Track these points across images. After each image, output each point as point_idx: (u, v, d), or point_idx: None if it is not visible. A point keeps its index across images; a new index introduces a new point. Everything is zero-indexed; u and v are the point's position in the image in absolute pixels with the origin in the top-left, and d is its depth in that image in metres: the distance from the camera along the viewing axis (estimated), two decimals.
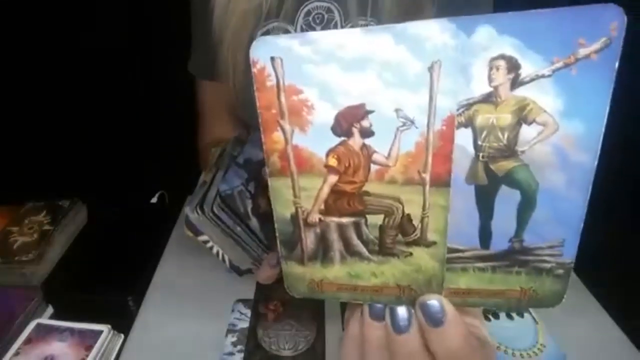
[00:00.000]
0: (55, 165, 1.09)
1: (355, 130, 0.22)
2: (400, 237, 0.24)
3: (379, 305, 0.25)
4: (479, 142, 0.22)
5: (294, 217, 0.25)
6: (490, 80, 0.20)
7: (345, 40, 0.21)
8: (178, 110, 0.94)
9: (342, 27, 0.62)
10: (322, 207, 0.24)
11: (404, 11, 0.60)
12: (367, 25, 0.62)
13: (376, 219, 0.24)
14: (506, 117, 0.21)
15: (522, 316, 0.46)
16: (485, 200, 0.23)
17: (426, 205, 0.23)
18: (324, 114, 0.22)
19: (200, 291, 0.50)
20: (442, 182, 0.22)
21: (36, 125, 1.08)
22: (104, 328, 0.43)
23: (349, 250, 0.25)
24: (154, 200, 0.68)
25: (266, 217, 0.46)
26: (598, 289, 0.49)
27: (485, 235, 0.23)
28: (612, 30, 0.19)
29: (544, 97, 0.20)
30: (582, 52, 0.19)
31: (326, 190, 0.24)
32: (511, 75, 0.20)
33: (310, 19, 0.62)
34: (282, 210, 0.25)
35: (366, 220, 0.24)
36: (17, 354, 0.41)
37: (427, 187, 0.23)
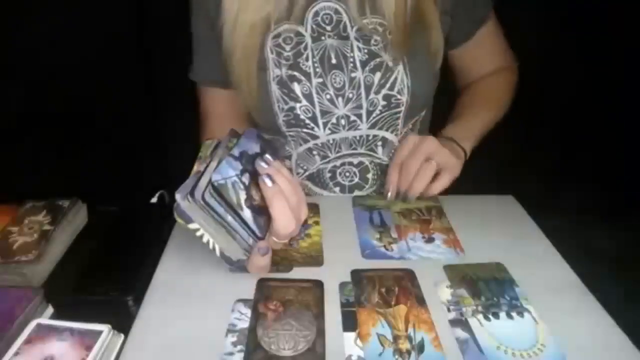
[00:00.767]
0: (55, 165, 1.09)
1: None
2: None
3: None
4: None
5: None
6: None
7: None
8: (178, 110, 0.94)
9: (351, 27, 0.63)
10: None
11: (408, 8, 0.60)
12: (371, 24, 0.62)
13: None
14: None
15: (522, 316, 0.46)
16: None
17: None
18: None
19: (200, 291, 0.50)
20: None
21: (36, 125, 1.08)
22: (104, 328, 0.43)
23: None
24: (154, 200, 0.68)
25: (259, 210, 0.46)
26: (598, 289, 0.49)
27: None
28: None
29: None
30: None
31: None
32: None
33: (319, 19, 0.63)
34: None
35: None
36: (17, 354, 0.41)
37: None
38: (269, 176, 0.46)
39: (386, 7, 0.60)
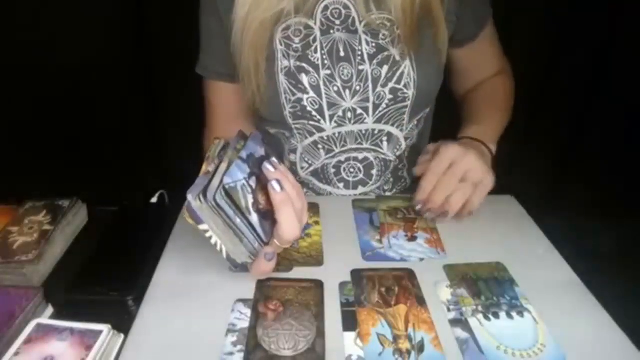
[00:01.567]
0: (55, 165, 1.09)
1: None
2: None
3: None
4: None
5: None
6: None
7: None
8: (178, 110, 0.94)
9: (359, 22, 0.63)
10: None
11: (419, 7, 0.61)
12: (378, 19, 0.62)
13: None
14: None
15: (522, 316, 0.46)
16: None
17: None
18: None
19: (200, 291, 0.50)
20: None
21: (36, 125, 1.08)
22: (104, 328, 0.43)
23: None
24: (154, 200, 0.68)
25: (265, 214, 0.46)
26: (598, 289, 0.49)
27: None
28: None
29: None
30: None
31: None
32: None
33: (329, 13, 0.64)
34: None
35: None
36: (17, 353, 0.41)
37: None
38: (278, 182, 0.46)
39: (393, 3, 0.61)
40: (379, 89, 0.65)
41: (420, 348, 0.42)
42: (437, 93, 0.72)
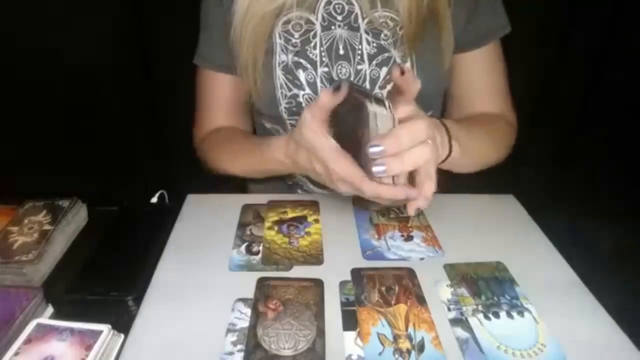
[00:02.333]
0: (55, 165, 1.09)
1: None
2: None
3: None
4: None
5: None
6: None
7: None
8: (178, 110, 0.94)
9: (362, 19, 0.63)
10: None
11: (426, 9, 0.60)
12: (382, 17, 0.62)
13: None
14: None
15: (522, 316, 0.46)
16: None
17: None
18: None
19: (200, 291, 0.50)
20: None
21: (36, 125, 1.08)
22: (104, 328, 0.43)
23: None
24: (154, 200, 0.68)
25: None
26: (598, 289, 0.49)
27: None
28: None
29: None
30: None
31: None
32: None
33: (331, 8, 0.63)
34: None
35: None
36: (17, 353, 0.41)
37: None
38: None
39: (400, 1, 0.60)
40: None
41: (421, 347, 0.42)
42: (441, 98, 0.70)
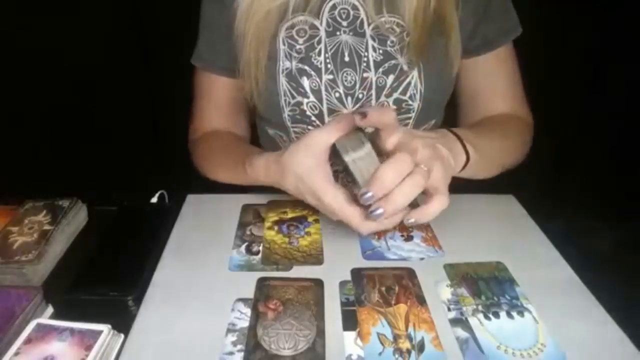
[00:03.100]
0: (55, 165, 1.09)
1: None
2: None
3: None
4: None
5: None
6: None
7: None
8: (178, 111, 0.94)
9: (368, 24, 0.62)
10: None
11: (433, 14, 0.58)
12: (388, 23, 0.61)
13: None
14: None
15: (522, 316, 0.46)
16: None
17: None
18: None
19: (200, 291, 0.50)
20: None
21: (36, 125, 1.08)
22: (104, 328, 0.43)
23: None
24: (154, 200, 0.68)
25: None
26: (598, 289, 0.49)
27: None
28: None
29: None
30: None
31: None
32: None
33: (336, 13, 0.62)
34: None
35: None
36: (17, 354, 0.41)
37: None
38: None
39: (408, 5, 0.58)
40: (382, 98, 0.63)
41: (421, 347, 0.42)
42: (445, 104, 0.69)
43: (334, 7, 0.62)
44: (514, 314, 0.46)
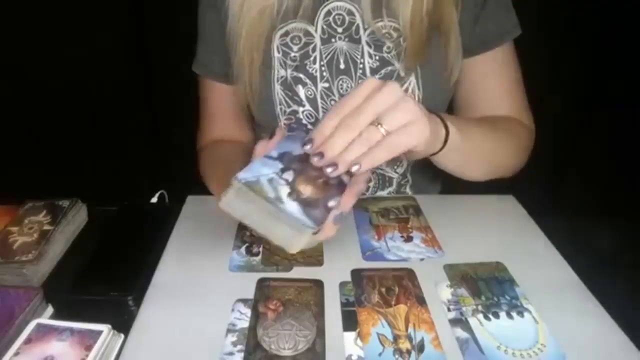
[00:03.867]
0: (55, 165, 1.09)
1: None
2: None
3: None
4: None
5: None
6: None
7: None
8: (178, 111, 0.94)
9: (364, 30, 0.60)
10: None
11: (424, 12, 0.57)
12: (385, 27, 0.60)
13: None
14: None
15: (522, 316, 0.46)
16: None
17: None
18: None
19: (200, 291, 0.50)
20: None
21: (36, 125, 1.08)
22: (104, 328, 0.43)
23: None
24: (154, 200, 0.68)
25: (308, 202, 0.44)
26: (598, 289, 0.49)
27: None
28: None
29: None
30: None
31: None
32: None
33: (331, 19, 0.60)
34: None
35: None
36: (17, 354, 0.41)
37: None
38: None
39: (402, 9, 0.57)
40: None
41: (420, 348, 0.42)
42: (445, 110, 0.67)
43: (328, 12, 0.60)
44: (514, 314, 0.46)
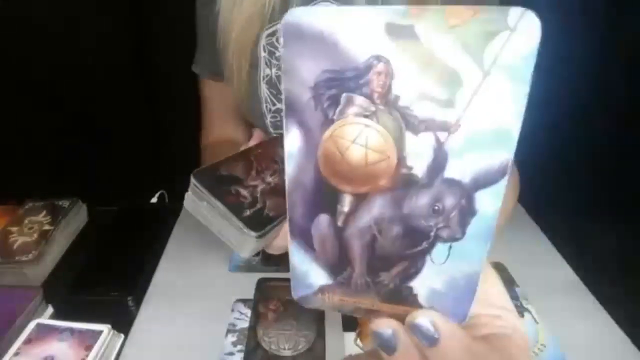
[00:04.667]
0: (55, 165, 1.09)
1: None
2: None
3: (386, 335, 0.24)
4: None
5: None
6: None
7: None
8: (178, 110, 0.94)
9: None
10: None
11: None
12: None
13: None
14: None
15: (522, 316, 0.46)
16: None
17: None
18: None
19: (200, 291, 0.50)
20: None
21: (36, 125, 1.08)
22: (104, 328, 0.43)
23: None
24: (154, 200, 0.68)
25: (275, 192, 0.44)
26: (598, 289, 0.49)
27: None
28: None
29: None
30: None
31: None
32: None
33: None
34: None
35: None
36: (17, 354, 0.41)
37: None
38: None
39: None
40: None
41: None
42: None
43: None
44: None
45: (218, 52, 0.65)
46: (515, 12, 0.18)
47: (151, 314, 0.47)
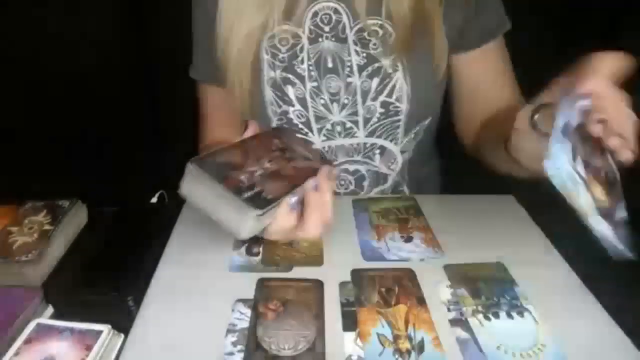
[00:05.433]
0: (55, 165, 1.09)
1: None
2: None
3: None
4: None
5: None
6: None
7: None
8: (178, 111, 0.94)
9: (350, 28, 0.61)
10: None
11: (415, 14, 0.58)
12: (379, 25, 0.61)
13: None
14: None
15: (522, 316, 0.46)
16: None
17: None
18: None
19: (200, 291, 0.50)
20: None
21: (36, 125, 1.08)
22: (104, 328, 0.43)
23: None
24: (154, 200, 0.68)
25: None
26: (598, 289, 0.49)
27: None
28: None
29: None
30: None
31: None
32: None
33: (318, 19, 0.62)
34: None
35: None
36: (17, 354, 0.41)
37: None
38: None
39: (389, 6, 0.59)
40: (369, 102, 0.62)
41: (420, 348, 0.42)
42: (440, 102, 0.68)
43: (315, 13, 0.61)
44: (514, 314, 0.46)
45: (217, 59, 0.65)
46: None
47: (151, 314, 0.47)
